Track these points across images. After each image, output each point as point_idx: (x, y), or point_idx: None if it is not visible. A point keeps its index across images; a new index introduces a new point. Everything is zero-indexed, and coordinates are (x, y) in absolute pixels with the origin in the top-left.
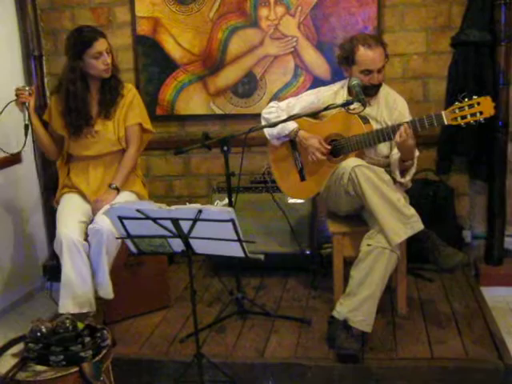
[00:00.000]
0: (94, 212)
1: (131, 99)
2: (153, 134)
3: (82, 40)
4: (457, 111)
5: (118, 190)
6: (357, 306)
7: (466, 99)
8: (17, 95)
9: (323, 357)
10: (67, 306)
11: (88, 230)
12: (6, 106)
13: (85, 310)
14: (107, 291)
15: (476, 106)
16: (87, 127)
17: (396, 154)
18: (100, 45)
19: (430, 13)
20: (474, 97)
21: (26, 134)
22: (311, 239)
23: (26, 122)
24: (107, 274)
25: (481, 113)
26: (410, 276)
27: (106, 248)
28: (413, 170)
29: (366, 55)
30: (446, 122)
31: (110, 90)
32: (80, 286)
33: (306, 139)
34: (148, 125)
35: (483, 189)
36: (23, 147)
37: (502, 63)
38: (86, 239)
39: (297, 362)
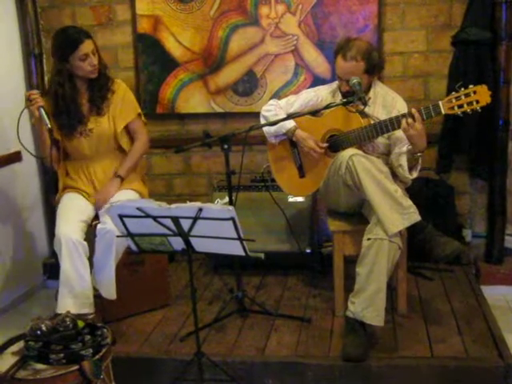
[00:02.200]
0: (98, 205)
1: (123, 95)
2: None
3: (67, 43)
4: (453, 100)
5: (121, 179)
6: (368, 302)
7: (463, 88)
8: (31, 101)
9: (323, 355)
10: (66, 305)
11: (97, 231)
12: (20, 115)
13: (84, 311)
14: (111, 292)
15: (472, 94)
16: (81, 126)
17: (399, 149)
18: (86, 47)
19: (431, 11)
20: (470, 86)
21: (51, 140)
22: (311, 238)
23: (49, 126)
24: (113, 275)
25: (477, 101)
26: (410, 275)
27: (115, 249)
28: (418, 167)
29: (337, 63)
30: (443, 112)
31: (100, 87)
32: (79, 286)
33: (303, 139)
34: (142, 115)
35: (483, 187)
36: (51, 150)
37: (503, 62)
38: (85, 239)
39: (297, 360)
